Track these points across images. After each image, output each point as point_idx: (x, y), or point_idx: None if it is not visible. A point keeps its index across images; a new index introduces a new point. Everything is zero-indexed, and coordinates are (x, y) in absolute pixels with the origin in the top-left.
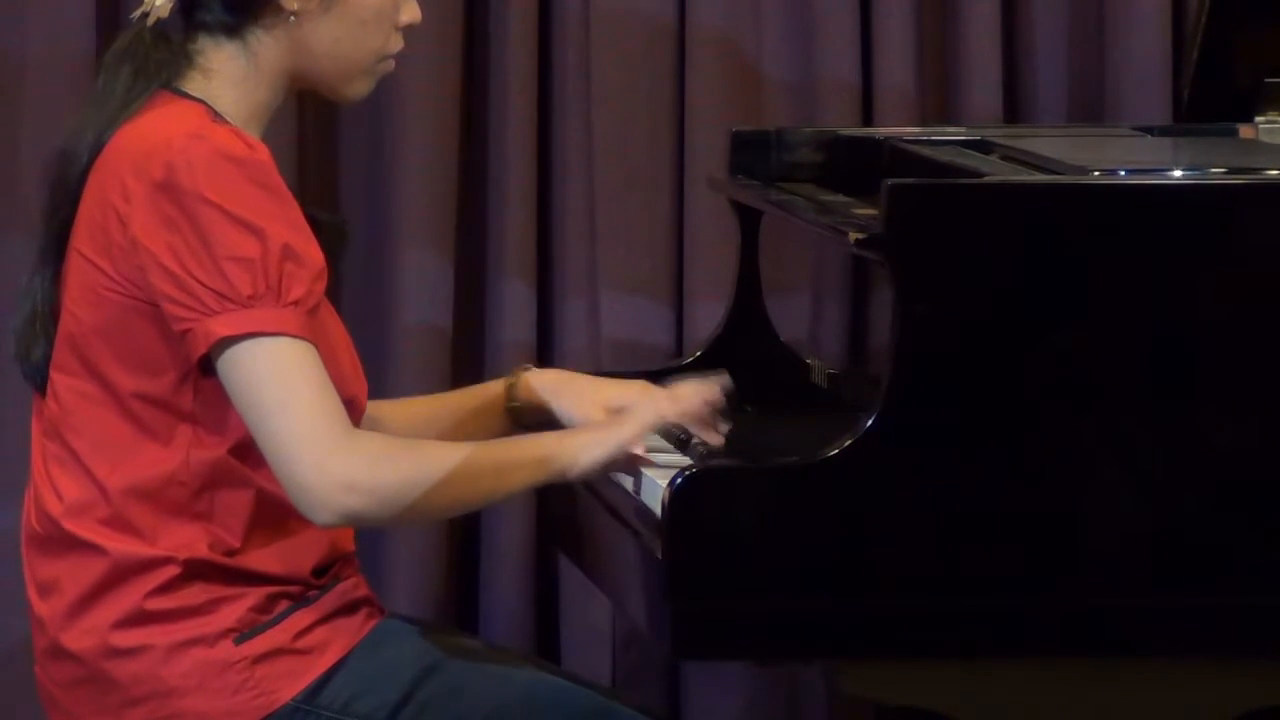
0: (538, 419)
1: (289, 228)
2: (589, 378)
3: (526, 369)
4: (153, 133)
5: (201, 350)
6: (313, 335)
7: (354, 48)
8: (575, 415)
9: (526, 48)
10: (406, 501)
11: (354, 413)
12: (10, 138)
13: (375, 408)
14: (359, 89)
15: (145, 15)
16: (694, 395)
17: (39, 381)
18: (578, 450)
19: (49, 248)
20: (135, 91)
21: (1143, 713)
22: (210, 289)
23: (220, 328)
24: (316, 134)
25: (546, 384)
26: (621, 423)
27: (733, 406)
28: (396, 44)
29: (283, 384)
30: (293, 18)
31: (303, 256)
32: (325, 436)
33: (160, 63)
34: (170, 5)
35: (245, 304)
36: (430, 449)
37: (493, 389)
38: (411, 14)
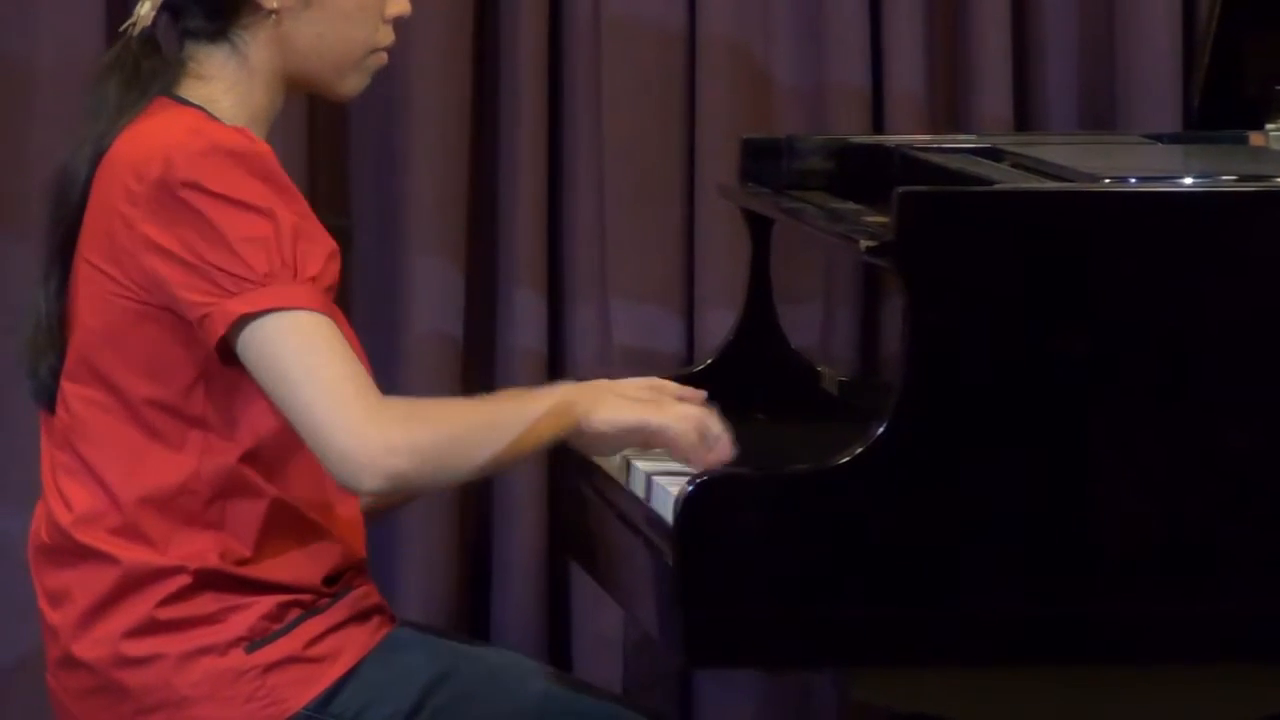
0: None
1: (295, 214)
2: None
3: None
4: (152, 137)
5: (220, 332)
6: (330, 311)
7: (339, 42)
8: None
9: (536, 54)
10: (444, 457)
11: None
12: (20, 143)
13: None
14: (352, 84)
15: (133, 25)
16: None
17: (47, 399)
18: (597, 399)
19: (53, 259)
20: (129, 100)
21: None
22: (226, 271)
23: (239, 306)
24: (326, 141)
25: None
26: (657, 407)
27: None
28: (386, 37)
29: (309, 355)
30: (273, 16)
31: (315, 234)
32: (358, 402)
33: (152, 71)
34: (153, 15)
35: (262, 282)
36: (453, 404)
37: None
38: (399, 6)
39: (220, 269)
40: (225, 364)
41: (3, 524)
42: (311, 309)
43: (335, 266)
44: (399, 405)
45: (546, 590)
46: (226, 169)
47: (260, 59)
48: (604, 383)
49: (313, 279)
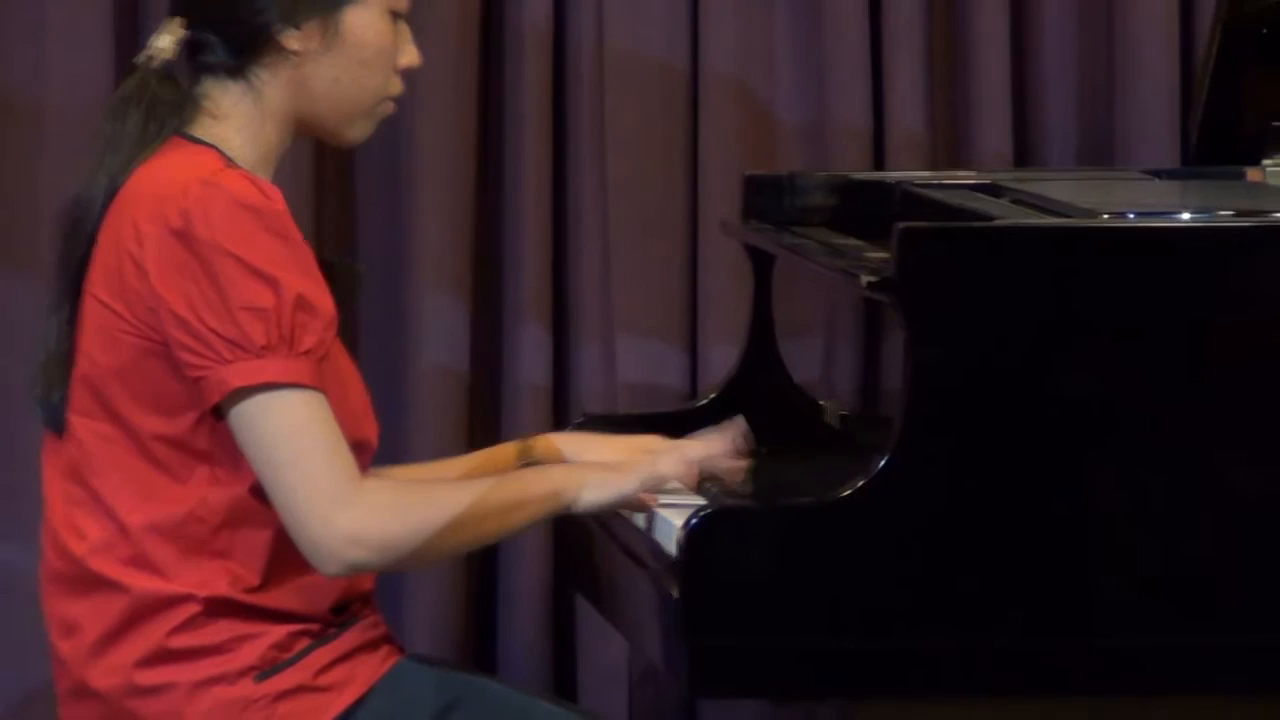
0: None
1: (303, 276)
2: (610, 436)
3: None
4: (167, 178)
5: (214, 399)
6: (322, 383)
7: (354, 88)
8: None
9: (541, 92)
10: (411, 549)
11: (364, 454)
12: (28, 181)
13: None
14: (359, 131)
15: (150, 58)
16: (703, 449)
17: (57, 424)
18: (582, 488)
19: (64, 291)
20: (149, 135)
21: None
22: (224, 338)
23: (234, 378)
24: (334, 179)
25: (570, 445)
26: (631, 471)
27: (751, 446)
28: (396, 86)
29: (295, 438)
30: (294, 57)
31: (315, 306)
32: (335, 492)
33: (170, 105)
34: (173, 47)
35: (258, 354)
36: (437, 496)
37: (503, 455)
38: (410, 57)
39: (218, 334)
40: (220, 419)
41: (11, 558)
42: (303, 385)
43: (331, 333)
44: (380, 495)
45: (552, 622)
46: (243, 225)
47: (274, 100)
48: (585, 466)
49: (308, 352)
